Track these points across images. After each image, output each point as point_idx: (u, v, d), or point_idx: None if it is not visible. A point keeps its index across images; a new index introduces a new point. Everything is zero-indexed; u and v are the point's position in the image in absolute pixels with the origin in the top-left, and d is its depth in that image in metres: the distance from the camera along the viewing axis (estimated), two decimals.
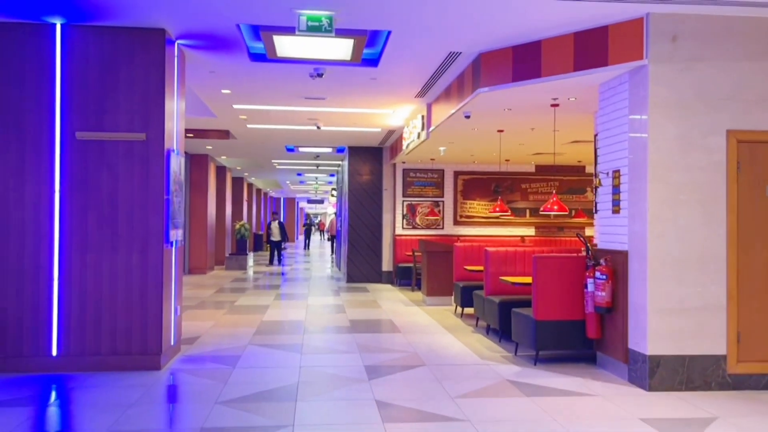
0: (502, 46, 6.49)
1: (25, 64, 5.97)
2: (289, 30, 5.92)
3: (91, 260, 6.05)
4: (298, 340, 7.71)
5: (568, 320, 6.41)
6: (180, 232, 6.70)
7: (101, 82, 6.08)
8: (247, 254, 18.89)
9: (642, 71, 5.56)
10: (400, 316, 9.75)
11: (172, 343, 6.50)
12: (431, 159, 13.49)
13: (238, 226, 19.63)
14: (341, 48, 6.55)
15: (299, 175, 23.78)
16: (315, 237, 47.89)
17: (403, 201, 14.54)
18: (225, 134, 12.73)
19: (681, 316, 5.44)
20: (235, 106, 9.99)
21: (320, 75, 7.34)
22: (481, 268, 9.13)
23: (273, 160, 18.22)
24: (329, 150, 15.54)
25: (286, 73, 7.72)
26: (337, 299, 11.82)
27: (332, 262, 22.39)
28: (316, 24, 5.53)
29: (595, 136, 6.93)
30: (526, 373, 6.06)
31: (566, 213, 8.66)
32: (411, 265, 13.56)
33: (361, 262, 14.84)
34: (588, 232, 13.39)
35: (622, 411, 4.89)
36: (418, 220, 14.55)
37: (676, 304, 5.45)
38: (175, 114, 6.56)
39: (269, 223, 21.08)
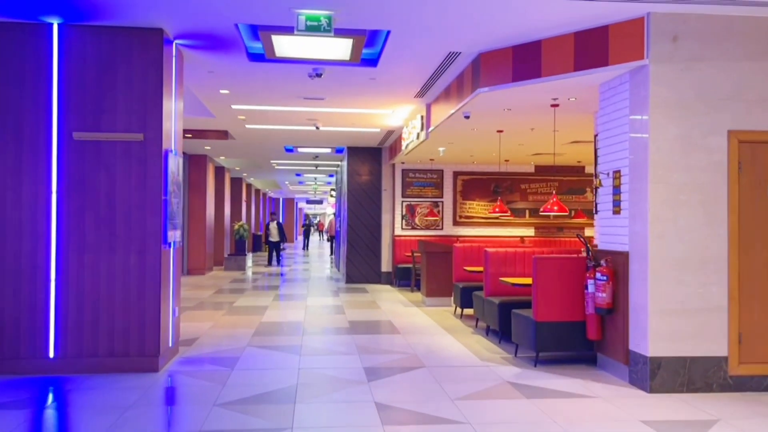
0: (502, 45, 6.46)
1: (22, 65, 5.94)
2: (287, 30, 5.89)
3: (89, 261, 6.02)
4: (297, 341, 7.67)
5: (568, 321, 6.37)
6: (178, 232, 6.66)
7: (98, 82, 6.04)
8: (245, 255, 18.84)
9: (643, 71, 5.53)
10: (399, 317, 9.72)
11: (170, 345, 6.46)
12: (430, 159, 13.46)
13: (236, 227, 19.58)
14: (340, 48, 6.51)
15: (298, 175, 23.75)
16: (314, 237, 47.86)
17: (402, 201, 14.51)
18: (224, 134, 12.70)
19: (682, 318, 5.41)
20: (233, 107, 9.95)
21: (319, 75, 7.31)
22: (480, 268, 9.11)
23: (272, 161, 18.19)
24: (328, 150, 15.51)
25: (285, 73, 7.69)
26: (336, 300, 11.78)
27: (331, 262, 22.35)
28: (315, 24, 5.49)
29: (595, 136, 6.90)
30: (526, 375, 6.03)
31: (566, 214, 8.62)
32: (410, 265, 13.53)
33: (360, 262, 14.81)
34: (587, 232, 13.36)
35: (623, 413, 4.86)
36: (417, 220, 14.52)
37: (677, 305, 5.42)
38: (173, 114, 6.52)
39: (268, 224, 21.04)
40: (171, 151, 6.34)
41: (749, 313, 5.47)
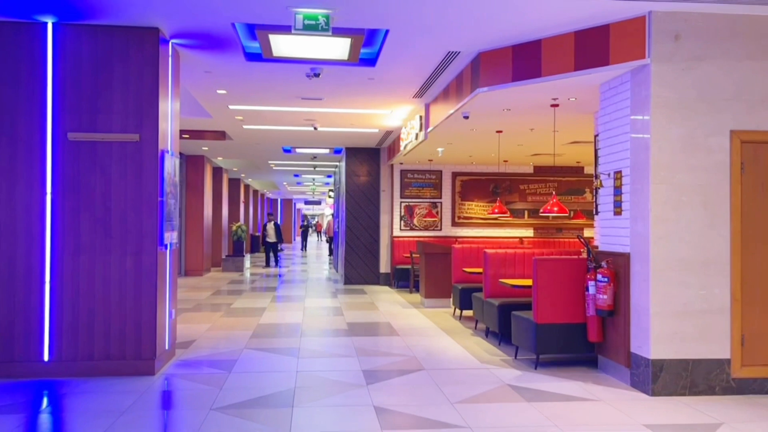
0: (501, 45, 6.40)
1: (16, 64, 5.86)
2: (285, 29, 5.83)
3: (84, 263, 5.94)
4: (295, 343, 7.61)
5: (568, 323, 6.32)
6: (175, 234, 6.60)
7: (94, 81, 5.97)
8: (243, 256, 18.77)
9: (644, 71, 5.47)
10: (398, 318, 9.65)
11: (166, 348, 6.39)
12: (429, 160, 13.41)
13: (234, 228, 19.51)
14: (338, 47, 6.45)
15: (296, 176, 23.68)
16: (312, 238, 47.80)
17: (401, 202, 14.45)
18: (221, 135, 12.64)
19: (684, 319, 5.36)
20: (231, 107, 9.89)
21: (317, 75, 7.25)
22: (479, 270, 9.05)
23: (270, 161, 18.12)
24: (326, 151, 15.45)
25: (283, 73, 7.63)
26: (334, 301, 11.72)
27: (330, 263, 22.28)
28: (313, 22, 5.43)
29: (596, 136, 6.85)
30: (526, 378, 5.97)
31: (566, 214, 8.57)
32: (409, 266, 13.46)
33: (358, 263, 14.75)
34: (586, 233, 13.32)
35: (625, 416, 4.80)
36: (415, 221, 14.46)
37: (679, 307, 5.36)
38: (170, 114, 6.46)
39: (265, 224, 20.97)
40: (167, 151, 6.27)
41: (752, 315, 5.42)
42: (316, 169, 20.20)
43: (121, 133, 5.98)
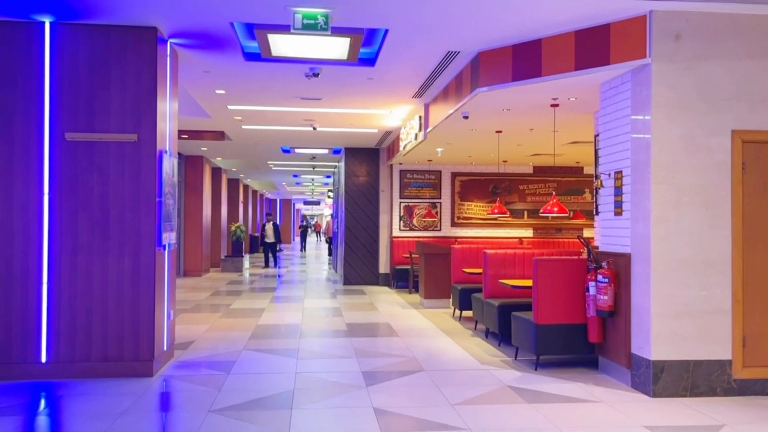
0: (501, 45, 6.37)
1: (13, 64, 5.83)
2: (284, 28, 5.79)
3: (82, 264, 5.91)
4: (294, 344, 7.57)
5: (569, 324, 6.29)
6: (173, 234, 6.56)
7: (91, 81, 5.94)
8: (243, 256, 18.74)
9: (645, 70, 5.44)
10: (397, 319, 9.62)
11: (165, 349, 6.36)
12: (428, 160, 13.37)
13: (233, 228, 19.47)
14: (337, 47, 6.41)
15: (295, 176, 23.65)
16: (311, 239, 47.75)
17: (400, 202, 14.42)
18: (220, 135, 12.61)
19: (685, 320, 5.33)
20: (229, 107, 9.85)
21: (316, 75, 7.21)
22: (479, 270, 9.02)
23: (269, 162, 18.09)
24: (325, 151, 15.41)
25: (282, 73, 7.59)
26: (333, 302, 11.68)
27: (329, 264, 22.24)
28: (312, 22, 5.40)
29: (596, 136, 6.82)
30: (526, 379, 5.93)
31: (566, 215, 8.54)
32: (408, 267, 13.43)
33: (357, 264, 14.72)
34: (586, 233, 13.30)
35: (626, 418, 4.77)
36: (415, 221, 14.42)
37: (681, 308, 5.33)
38: (168, 114, 6.42)
39: (264, 225, 20.93)
40: (165, 151, 6.24)
41: (753, 316, 5.39)
42: (315, 169, 20.17)
43: (119, 133, 5.95)
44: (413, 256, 12.94)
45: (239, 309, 10.61)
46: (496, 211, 11.27)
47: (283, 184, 28.08)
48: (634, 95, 5.62)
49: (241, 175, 22.99)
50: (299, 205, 49.00)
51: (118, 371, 5.88)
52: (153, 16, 5.70)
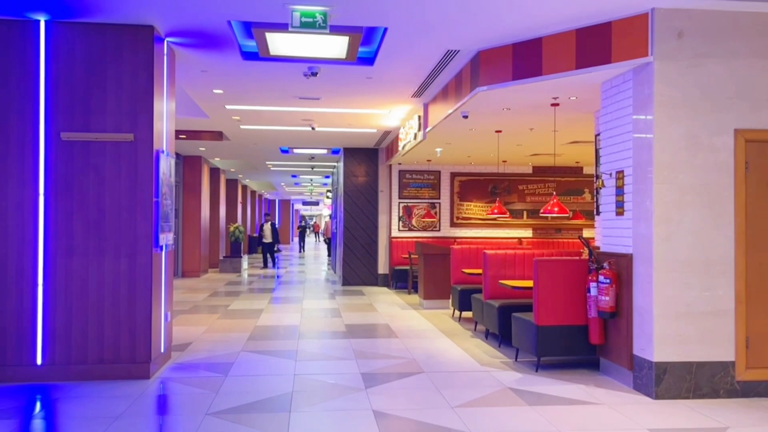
0: (501, 43, 6.31)
1: (8, 63, 5.76)
2: (282, 27, 5.73)
3: (77, 265, 5.84)
4: (292, 345, 7.51)
5: (570, 325, 6.23)
6: (170, 235, 6.50)
7: (87, 80, 5.87)
8: (241, 257, 18.67)
9: (647, 69, 5.39)
10: (397, 320, 9.56)
11: (162, 351, 6.29)
12: (427, 160, 13.32)
13: (232, 229, 19.41)
14: (336, 46, 6.36)
15: (294, 176, 23.58)
16: (310, 239, 47.67)
17: (399, 203, 14.36)
18: (218, 135, 12.55)
19: (688, 321, 5.27)
20: (227, 107, 9.79)
21: (314, 74, 7.15)
22: (479, 271, 8.96)
23: (267, 162, 18.02)
24: (324, 151, 15.35)
25: (280, 72, 7.53)
26: (332, 303, 11.62)
27: (328, 264, 22.18)
28: (310, 20, 5.34)
29: (597, 136, 6.77)
30: (527, 381, 5.88)
31: (566, 215, 8.48)
32: (407, 267, 13.37)
33: (356, 264, 14.65)
34: (586, 233, 13.24)
35: (629, 421, 4.71)
36: (414, 221, 14.36)
37: (683, 309, 5.28)
38: (165, 114, 6.36)
39: (262, 225, 20.86)
40: (162, 151, 6.17)
41: (757, 317, 5.33)
42: (314, 169, 20.10)
43: (115, 133, 5.88)
44: (412, 256, 12.88)
45: (237, 310, 10.55)
46: (495, 211, 11.22)
47: (282, 184, 28.02)
48: (636, 94, 5.56)
49: (240, 176, 22.92)
50: (298, 206, 48.94)
51: (114, 373, 5.82)
52: (149, 14, 5.64)
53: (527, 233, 14.54)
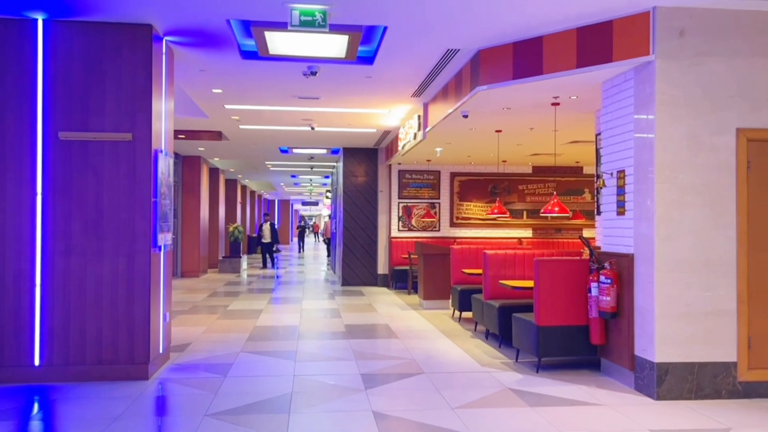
0: (502, 42, 6.28)
1: (5, 62, 5.73)
2: (281, 26, 5.70)
3: (75, 265, 5.81)
4: (292, 346, 7.48)
5: (571, 326, 6.20)
6: (169, 235, 6.46)
7: (85, 80, 5.84)
8: (240, 257, 18.64)
9: (648, 68, 5.36)
10: (396, 320, 9.53)
11: (160, 351, 6.26)
12: (427, 160, 13.29)
13: (231, 229, 19.37)
14: (335, 45, 6.32)
15: (293, 176, 23.55)
16: (309, 239, 47.64)
17: (399, 203, 14.33)
18: (217, 135, 12.52)
19: (689, 321, 5.24)
20: (227, 107, 9.76)
21: (314, 73, 7.12)
22: (479, 271, 8.93)
23: (266, 162, 17.99)
24: (323, 151, 15.32)
25: (279, 71, 7.50)
26: (332, 303, 11.59)
27: (327, 264, 22.15)
28: (310, 19, 5.31)
29: (597, 135, 6.74)
30: (528, 381, 5.85)
31: (566, 215, 8.45)
32: (407, 267, 13.34)
33: (356, 264, 14.62)
34: (585, 233, 13.21)
35: (630, 421, 4.69)
36: (413, 221, 14.34)
37: (685, 309, 5.25)
38: (163, 113, 6.32)
39: (261, 225, 20.83)
40: (161, 151, 6.14)
41: (759, 317, 5.30)
42: (314, 169, 20.07)
43: (114, 133, 5.85)
44: (412, 256, 12.85)
45: (237, 310, 10.51)
46: (495, 211, 11.19)
47: (281, 184, 27.98)
48: (637, 93, 5.53)
49: (239, 176, 22.89)
50: (297, 206, 48.90)
51: (112, 374, 5.78)
52: (148, 13, 5.61)
53: (527, 233, 14.51)
